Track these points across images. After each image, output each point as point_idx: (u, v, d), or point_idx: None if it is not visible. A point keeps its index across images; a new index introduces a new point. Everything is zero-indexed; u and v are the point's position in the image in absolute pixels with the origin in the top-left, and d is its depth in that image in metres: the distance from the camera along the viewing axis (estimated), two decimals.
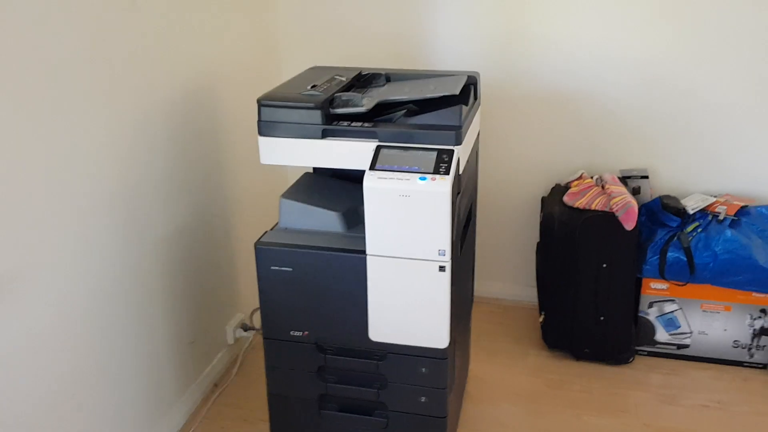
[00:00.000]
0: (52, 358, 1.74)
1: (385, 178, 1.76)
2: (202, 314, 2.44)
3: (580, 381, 2.57)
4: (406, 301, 1.87)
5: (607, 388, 2.53)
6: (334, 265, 1.89)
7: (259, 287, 1.97)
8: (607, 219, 2.43)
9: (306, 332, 1.99)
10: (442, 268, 1.81)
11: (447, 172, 1.74)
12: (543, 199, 2.78)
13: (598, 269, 2.50)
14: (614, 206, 2.40)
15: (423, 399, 1.99)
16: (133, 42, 1.95)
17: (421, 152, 1.80)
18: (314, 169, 2.25)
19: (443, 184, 1.72)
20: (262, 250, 1.93)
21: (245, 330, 2.71)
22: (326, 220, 1.99)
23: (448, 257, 1.79)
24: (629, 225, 2.39)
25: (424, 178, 1.74)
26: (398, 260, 1.83)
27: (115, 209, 1.93)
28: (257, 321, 2.86)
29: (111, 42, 1.85)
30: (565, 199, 2.57)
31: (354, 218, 2.01)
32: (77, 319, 1.83)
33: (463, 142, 1.84)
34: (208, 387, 2.52)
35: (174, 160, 2.19)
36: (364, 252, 1.85)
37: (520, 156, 2.88)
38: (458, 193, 1.82)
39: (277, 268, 1.93)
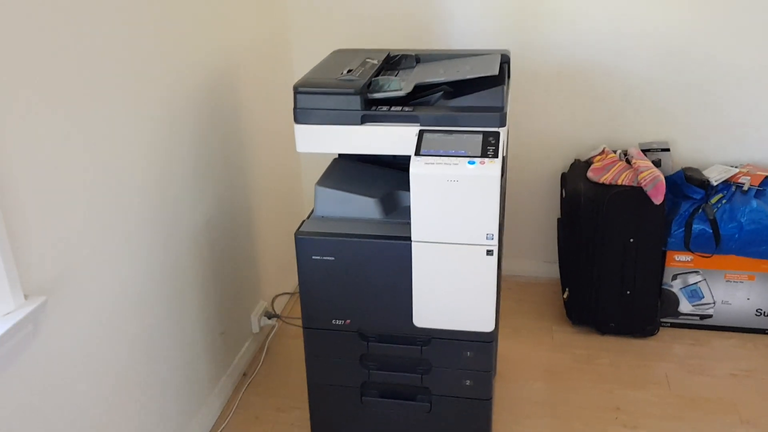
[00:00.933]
0: (106, 355, 1.71)
1: (433, 164, 1.73)
2: (229, 305, 2.41)
3: (608, 355, 2.59)
4: (452, 286, 1.85)
5: (634, 361, 2.55)
6: (378, 252, 1.86)
7: (299, 277, 1.94)
8: (635, 194, 2.43)
9: (348, 321, 1.97)
10: (489, 252, 1.79)
11: (495, 155, 1.72)
12: (563, 176, 2.77)
13: (624, 244, 2.51)
14: (642, 181, 2.40)
15: (468, 382, 1.98)
16: (154, 35, 1.88)
17: (466, 135, 1.77)
18: (340, 154, 2.21)
19: (493, 168, 1.70)
20: (303, 240, 1.89)
21: (269, 318, 2.69)
22: (364, 207, 1.96)
23: (496, 241, 1.78)
24: (658, 199, 2.39)
25: (473, 162, 1.71)
26: (445, 246, 1.81)
27: (152, 205, 1.89)
28: (279, 308, 2.84)
29: (135, 35, 1.78)
30: (589, 174, 2.56)
31: (390, 204, 1.99)
32: (127, 316, 1.80)
33: (507, 124, 1.81)
34: (238, 377, 2.50)
35: (200, 152, 2.14)
36: (408, 238, 1.82)
37: (538, 132, 2.86)
38: (502, 176, 1.80)
39: (318, 257, 1.90)
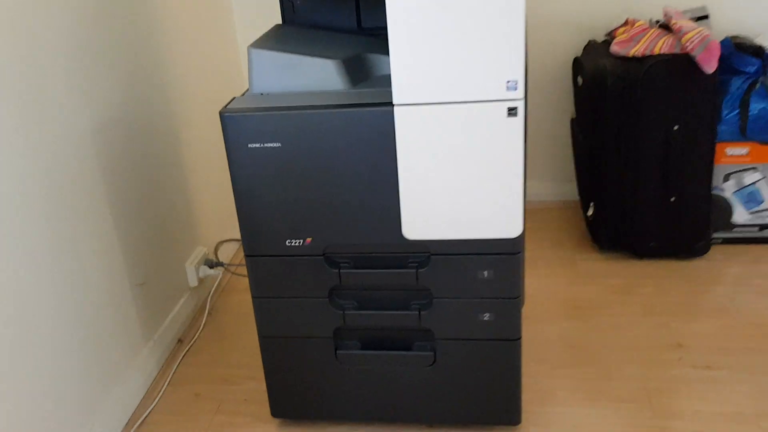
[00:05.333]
0: None
1: None
2: (150, 247, 1.78)
3: (651, 282, 2.02)
4: (456, 172, 1.25)
5: (686, 287, 1.99)
6: (344, 130, 1.26)
7: (232, 179, 1.33)
8: (678, 63, 1.86)
9: (309, 239, 1.36)
10: (512, 111, 1.19)
11: None
12: (576, 61, 2.18)
13: (667, 133, 1.93)
14: (688, 44, 1.82)
15: (486, 316, 1.39)
16: None
17: None
18: (284, 19, 1.60)
19: None
20: (233, 119, 1.28)
21: (211, 267, 2.06)
22: (320, 74, 1.35)
23: (521, 92, 1.17)
24: (710, 66, 1.81)
25: None
26: (443, 108, 1.20)
27: (19, 99, 1.25)
28: (225, 255, 2.22)
29: None
30: (614, 48, 1.98)
31: (358, 70, 1.39)
32: None
33: None
34: (171, 344, 1.87)
35: (89, 24, 1.50)
36: (389, 104, 1.22)
37: (542, 13, 2.26)
38: None
39: (257, 145, 1.29)
